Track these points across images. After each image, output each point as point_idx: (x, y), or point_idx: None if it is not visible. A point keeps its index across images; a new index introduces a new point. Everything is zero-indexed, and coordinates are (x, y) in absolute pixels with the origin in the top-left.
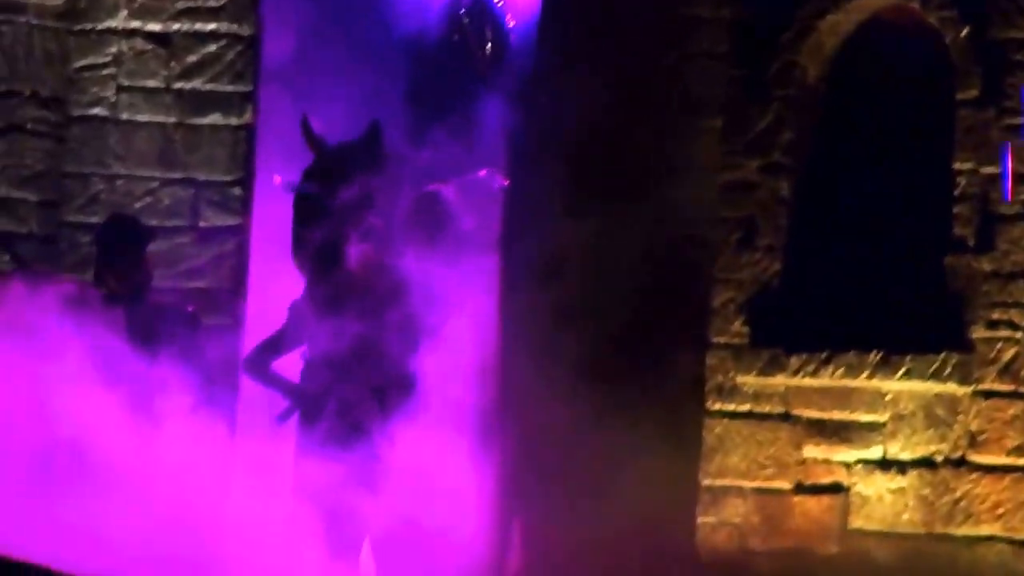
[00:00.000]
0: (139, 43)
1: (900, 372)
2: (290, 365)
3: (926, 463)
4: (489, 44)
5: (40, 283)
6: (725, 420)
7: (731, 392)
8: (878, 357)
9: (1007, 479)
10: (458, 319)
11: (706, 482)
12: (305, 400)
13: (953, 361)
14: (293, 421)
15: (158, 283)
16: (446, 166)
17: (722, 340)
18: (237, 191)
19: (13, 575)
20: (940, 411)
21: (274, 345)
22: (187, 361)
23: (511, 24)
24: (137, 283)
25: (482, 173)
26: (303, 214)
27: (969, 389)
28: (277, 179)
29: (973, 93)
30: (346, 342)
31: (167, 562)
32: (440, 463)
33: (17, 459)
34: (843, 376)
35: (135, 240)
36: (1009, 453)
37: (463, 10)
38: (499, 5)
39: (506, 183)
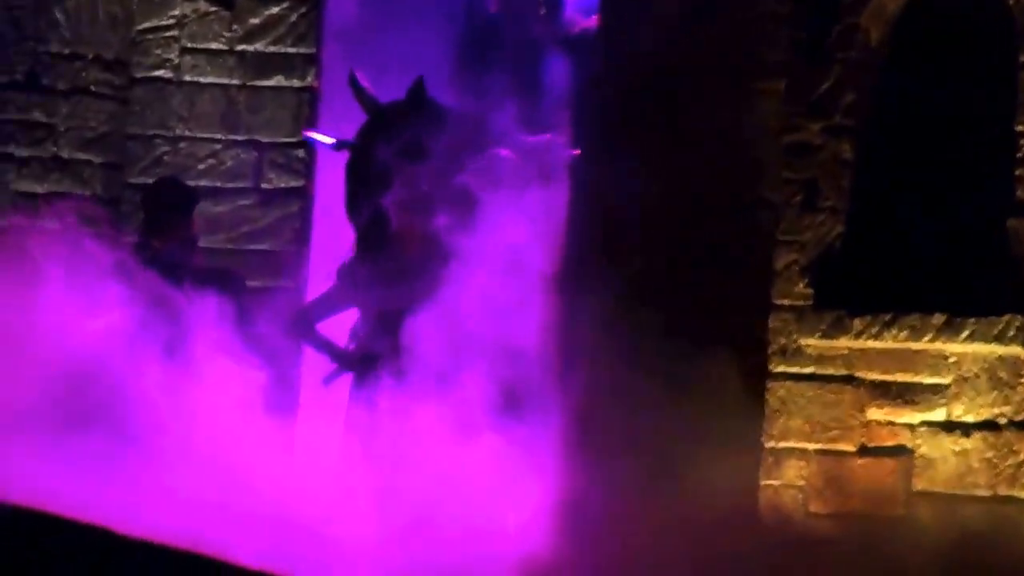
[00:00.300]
0: (202, 5)
1: (963, 335)
2: (337, 327)
3: (990, 425)
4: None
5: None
6: (788, 382)
7: (794, 354)
8: (942, 320)
9: None
10: (520, 287)
11: (769, 444)
12: (351, 362)
13: (1017, 324)
14: (341, 383)
15: (220, 245)
16: (509, 129)
17: (785, 302)
18: (300, 153)
19: (79, 536)
20: (1003, 374)
21: (320, 306)
22: (235, 324)
23: None
24: (182, 246)
25: (545, 137)
26: (354, 172)
27: None
28: (323, 138)
29: None
30: (395, 304)
31: (237, 520)
32: (504, 430)
33: (74, 419)
34: (906, 339)
35: (181, 202)
36: None
37: None
38: None
39: (571, 149)
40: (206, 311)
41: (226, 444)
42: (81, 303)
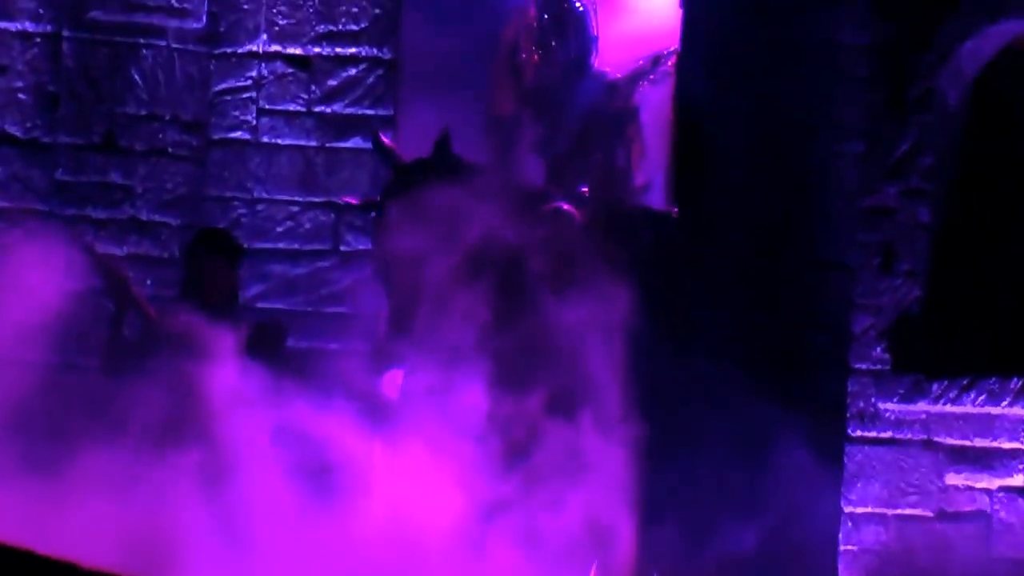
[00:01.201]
0: (280, 67)
1: None
2: None
3: None
4: (570, 49)
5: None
6: (866, 447)
7: (872, 418)
8: (1020, 384)
9: None
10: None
11: (848, 509)
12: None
13: None
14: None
15: (299, 308)
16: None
17: (863, 366)
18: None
19: None
20: None
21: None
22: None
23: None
24: (226, 299)
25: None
26: (379, 232)
27: None
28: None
29: None
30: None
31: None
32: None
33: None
34: (985, 402)
35: (228, 253)
36: None
37: (545, 16)
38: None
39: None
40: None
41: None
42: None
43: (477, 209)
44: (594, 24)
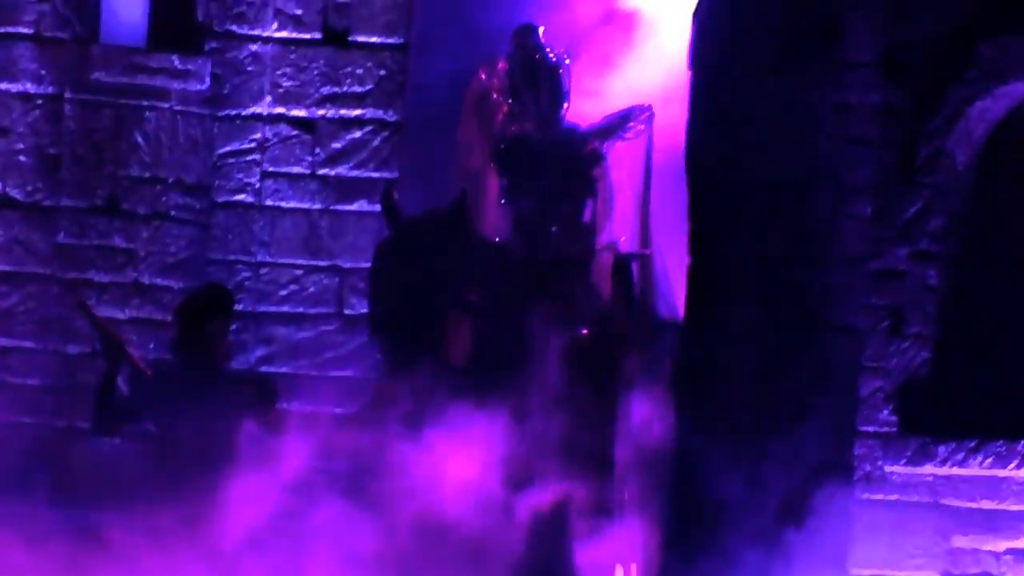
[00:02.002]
0: (284, 129)
1: None
2: None
3: None
4: (542, 103)
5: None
6: (873, 509)
7: (879, 481)
8: None
9: None
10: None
11: (854, 571)
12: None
13: None
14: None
15: (303, 371)
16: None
17: (870, 428)
18: None
19: None
20: None
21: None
22: (264, 434)
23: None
24: (226, 356)
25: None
26: (376, 288)
27: None
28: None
29: None
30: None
31: None
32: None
33: None
34: (992, 465)
35: (224, 309)
36: None
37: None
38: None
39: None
40: (236, 420)
41: None
42: None
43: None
44: (567, 79)
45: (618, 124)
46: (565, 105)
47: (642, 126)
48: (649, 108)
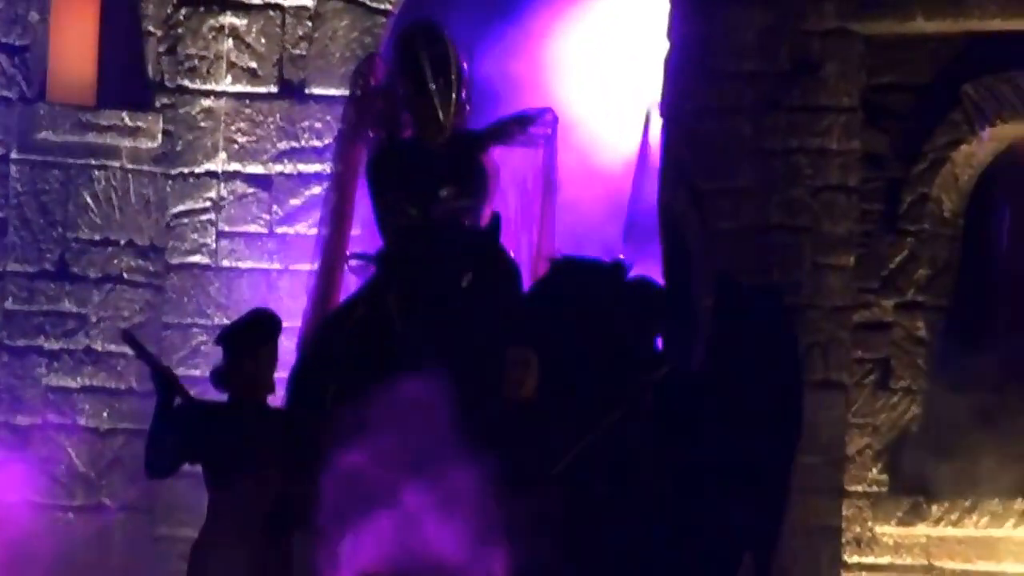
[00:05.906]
0: (239, 186)
1: None
2: None
3: None
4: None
5: None
6: (864, 573)
7: (869, 543)
8: None
9: None
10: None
11: None
12: None
13: None
14: None
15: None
16: None
17: (859, 488)
18: None
19: None
20: None
21: None
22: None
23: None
24: (270, 384)
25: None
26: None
27: None
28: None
29: None
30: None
31: None
32: None
33: None
34: (988, 525)
35: (274, 332)
36: None
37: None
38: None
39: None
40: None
41: None
42: None
43: None
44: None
45: (514, 126)
46: (458, 108)
47: (549, 130)
48: (551, 111)
